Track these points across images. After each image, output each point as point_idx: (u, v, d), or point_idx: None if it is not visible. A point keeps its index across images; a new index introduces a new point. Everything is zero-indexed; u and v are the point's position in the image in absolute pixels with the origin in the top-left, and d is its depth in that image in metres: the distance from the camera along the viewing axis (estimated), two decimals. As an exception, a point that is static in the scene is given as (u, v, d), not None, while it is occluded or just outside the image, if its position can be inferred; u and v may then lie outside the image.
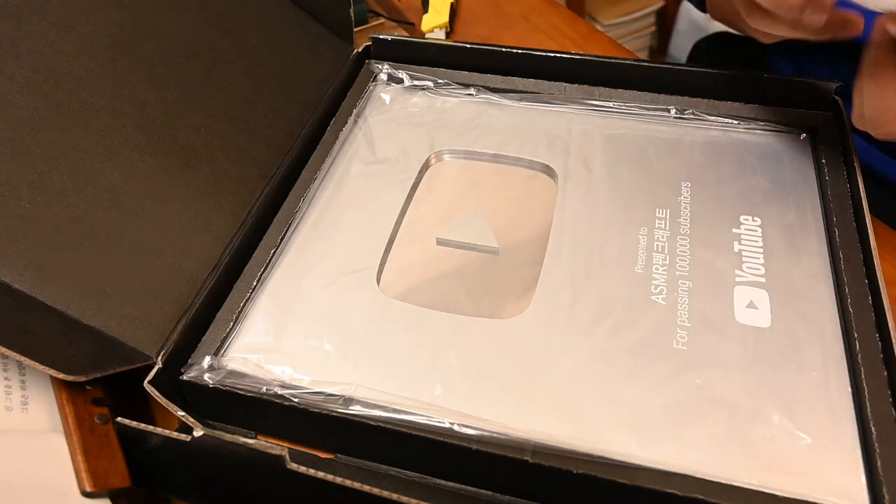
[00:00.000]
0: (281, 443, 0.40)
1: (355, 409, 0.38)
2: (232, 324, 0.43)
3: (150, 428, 0.38)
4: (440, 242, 0.49)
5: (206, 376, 0.40)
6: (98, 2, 0.47)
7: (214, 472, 0.40)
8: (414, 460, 0.39)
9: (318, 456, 0.40)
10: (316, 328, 0.43)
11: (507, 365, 0.40)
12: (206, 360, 0.41)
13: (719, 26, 1.41)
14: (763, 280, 0.43)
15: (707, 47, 0.94)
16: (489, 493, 0.38)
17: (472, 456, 0.36)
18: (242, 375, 0.40)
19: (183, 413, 0.39)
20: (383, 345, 0.42)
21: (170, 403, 0.38)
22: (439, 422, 0.37)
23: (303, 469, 0.35)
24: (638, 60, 0.58)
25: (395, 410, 0.37)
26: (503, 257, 0.48)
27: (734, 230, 0.46)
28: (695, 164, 0.52)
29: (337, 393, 0.39)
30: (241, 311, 0.44)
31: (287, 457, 0.35)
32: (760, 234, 0.46)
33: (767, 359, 0.39)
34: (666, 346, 0.40)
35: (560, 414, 0.38)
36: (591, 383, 0.39)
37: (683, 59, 1.27)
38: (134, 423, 0.38)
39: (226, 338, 0.43)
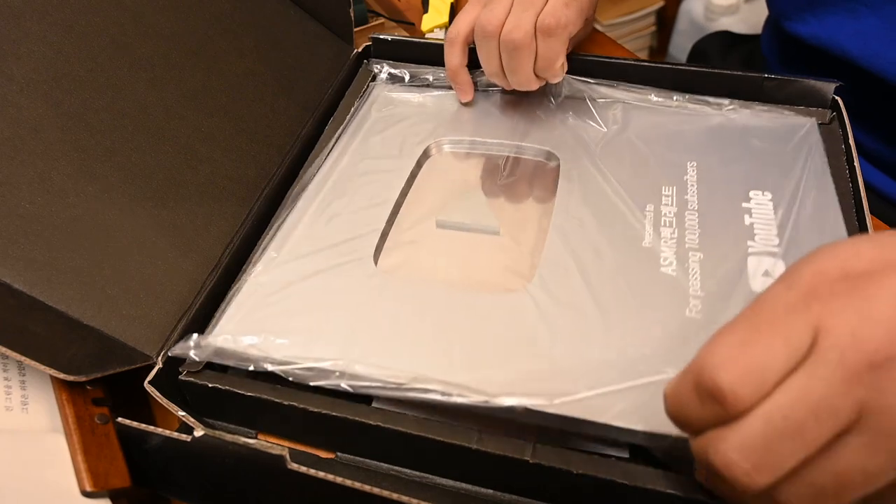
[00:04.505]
0: (281, 441, 0.40)
1: (351, 384, 0.37)
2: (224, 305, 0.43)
3: (151, 428, 0.38)
4: (440, 224, 0.49)
5: (192, 353, 0.39)
6: (98, 2, 0.47)
7: (215, 473, 0.40)
8: (415, 459, 0.39)
9: (318, 456, 0.40)
10: (310, 308, 0.42)
11: (509, 338, 0.40)
12: (193, 338, 0.40)
13: (719, 26, 1.42)
14: (777, 249, 0.42)
15: (707, 47, 0.94)
16: (490, 491, 0.38)
17: (472, 455, 0.36)
18: (231, 353, 0.40)
19: (183, 413, 0.39)
20: (379, 321, 0.41)
21: (170, 403, 0.38)
22: (437, 393, 0.36)
23: (303, 469, 0.35)
24: (638, 60, 0.58)
25: (391, 383, 0.37)
26: (505, 237, 0.48)
27: (744, 204, 0.46)
28: (700, 145, 0.51)
29: (331, 368, 0.38)
30: (232, 291, 0.44)
31: (287, 457, 0.35)
32: (772, 208, 0.45)
33: None
34: (678, 315, 0.40)
35: (564, 385, 0.36)
36: (599, 356, 0.38)
37: (683, 59, 1.27)
38: (134, 424, 0.38)
39: (215, 317, 0.42)
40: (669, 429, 0.31)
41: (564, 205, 0.48)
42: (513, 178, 0.53)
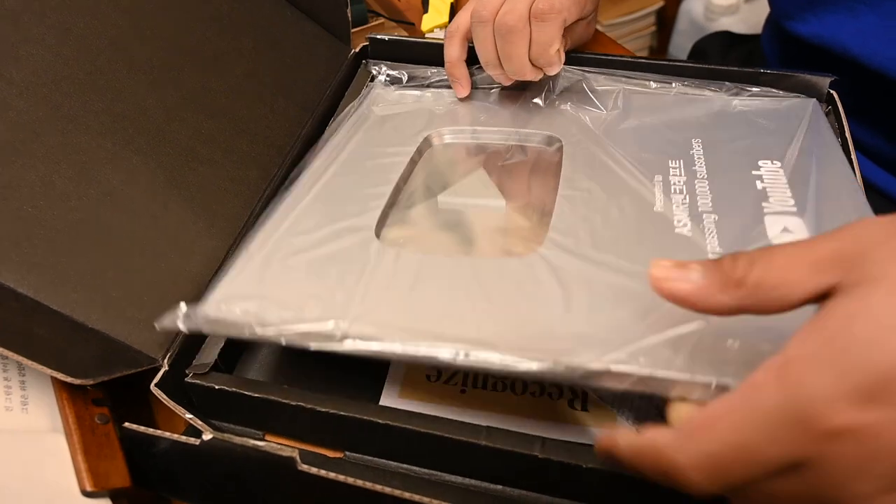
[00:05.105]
0: (288, 442, 0.40)
1: (350, 345, 0.35)
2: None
3: (159, 433, 0.37)
4: (443, 204, 0.48)
5: (181, 323, 0.37)
6: (96, 4, 0.47)
7: (223, 475, 0.39)
8: (423, 456, 0.38)
9: (328, 456, 0.39)
10: (308, 277, 0.41)
11: (524, 299, 0.37)
12: (182, 308, 0.37)
13: (719, 26, 1.42)
14: (794, 209, 0.41)
15: (707, 47, 0.94)
16: (499, 487, 0.38)
17: (481, 451, 0.35)
18: (222, 322, 0.37)
19: (191, 416, 0.38)
20: (383, 288, 0.39)
21: (177, 406, 0.38)
22: (444, 351, 0.34)
23: (314, 470, 0.35)
24: (636, 58, 0.58)
25: (394, 342, 0.35)
26: (511, 213, 0.47)
27: (754, 172, 0.45)
28: (703, 125, 0.51)
29: (332, 330, 0.35)
30: (223, 265, 0.42)
31: (298, 458, 0.35)
32: (783, 174, 0.44)
33: None
34: None
35: (577, 344, 0.34)
36: (615, 314, 0.36)
37: (683, 59, 1.27)
38: (142, 429, 0.38)
39: (207, 289, 0.41)
40: (702, 377, 0.31)
41: (570, 178, 0.47)
42: (515, 159, 0.52)
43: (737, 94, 0.54)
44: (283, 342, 0.36)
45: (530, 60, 0.53)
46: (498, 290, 0.38)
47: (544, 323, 0.36)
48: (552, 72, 0.54)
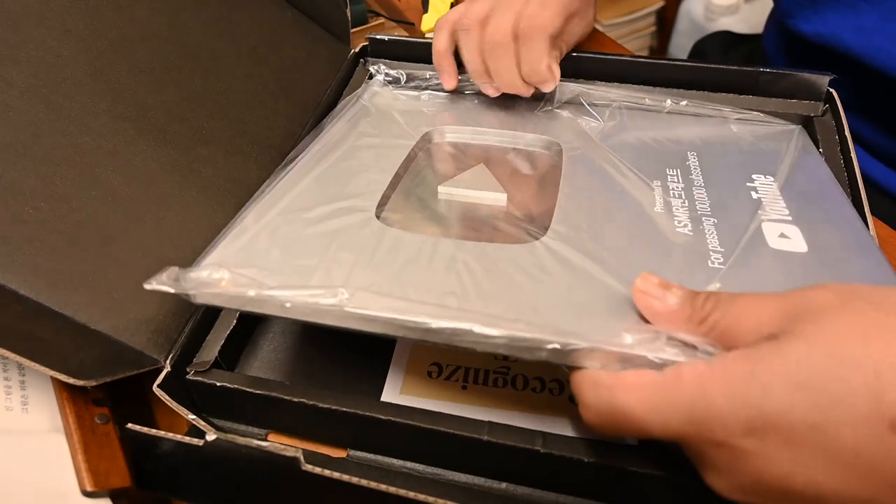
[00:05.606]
0: (291, 439, 0.40)
1: (353, 310, 0.34)
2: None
3: (162, 433, 0.37)
4: (443, 193, 0.48)
5: (168, 288, 0.36)
6: (96, 5, 0.47)
7: (226, 475, 0.39)
8: (426, 453, 0.38)
9: (331, 456, 0.39)
10: (308, 249, 0.40)
11: (524, 284, 0.37)
12: (174, 272, 0.36)
13: (719, 26, 1.42)
14: (790, 218, 0.42)
15: (707, 47, 0.95)
16: (503, 486, 0.38)
17: (483, 447, 0.35)
18: (216, 286, 0.36)
19: (194, 417, 0.38)
20: (384, 266, 0.38)
21: (180, 407, 0.38)
22: (455, 324, 0.33)
23: (317, 470, 0.35)
24: (635, 57, 0.58)
25: (402, 311, 0.34)
26: (512, 208, 0.47)
27: (748, 184, 0.45)
28: (698, 141, 0.51)
29: (335, 301, 0.34)
30: (220, 235, 0.41)
31: (301, 458, 0.35)
32: (776, 188, 0.45)
33: (811, 280, 0.34)
34: (701, 266, 0.38)
35: (578, 331, 0.33)
36: (621, 304, 0.35)
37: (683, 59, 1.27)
38: (144, 430, 0.38)
39: (200, 256, 0.40)
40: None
41: (570, 179, 0.47)
42: (516, 159, 0.52)
43: (727, 119, 0.54)
44: (288, 306, 0.35)
45: (522, 77, 0.52)
46: (502, 273, 0.38)
47: (547, 305, 0.35)
48: (547, 89, 0.54)
